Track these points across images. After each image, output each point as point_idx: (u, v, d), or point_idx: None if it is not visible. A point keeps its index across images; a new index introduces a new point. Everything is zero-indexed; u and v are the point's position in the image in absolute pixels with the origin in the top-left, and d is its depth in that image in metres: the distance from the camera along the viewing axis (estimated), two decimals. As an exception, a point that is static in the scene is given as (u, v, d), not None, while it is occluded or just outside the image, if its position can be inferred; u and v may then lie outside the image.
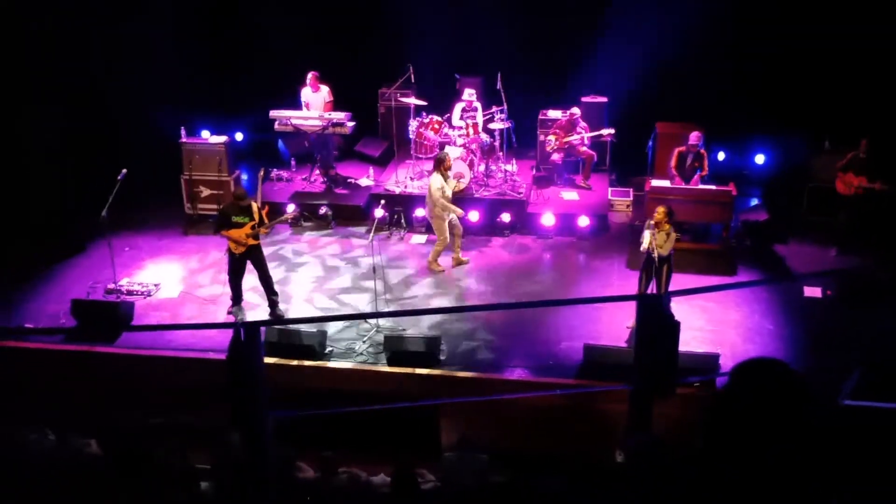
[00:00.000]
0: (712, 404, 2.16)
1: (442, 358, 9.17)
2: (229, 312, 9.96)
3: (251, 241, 9.54)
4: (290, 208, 10.05)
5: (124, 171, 10.13)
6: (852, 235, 10.99)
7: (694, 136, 11.36)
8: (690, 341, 8.92)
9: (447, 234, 10.87)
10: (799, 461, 2.02)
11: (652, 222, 9.20)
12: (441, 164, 10.77)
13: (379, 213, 10.78)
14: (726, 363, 8.77)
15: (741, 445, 2.06)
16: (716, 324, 9.68)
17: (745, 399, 2.09)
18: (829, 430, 2.13)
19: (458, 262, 11.11)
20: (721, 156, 13.02)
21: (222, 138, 12.48)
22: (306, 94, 12.75)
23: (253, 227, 9.51)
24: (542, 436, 8.69)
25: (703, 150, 11.45)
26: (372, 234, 9.94)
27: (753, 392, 2.09)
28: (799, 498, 2.06)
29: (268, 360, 8.83)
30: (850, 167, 10.87)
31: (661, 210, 9.14)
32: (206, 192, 12.30)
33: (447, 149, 12.13)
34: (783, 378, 2.09)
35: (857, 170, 10.82)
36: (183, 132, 12.39)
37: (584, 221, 11.76)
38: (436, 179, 10.72)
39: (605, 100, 13.20)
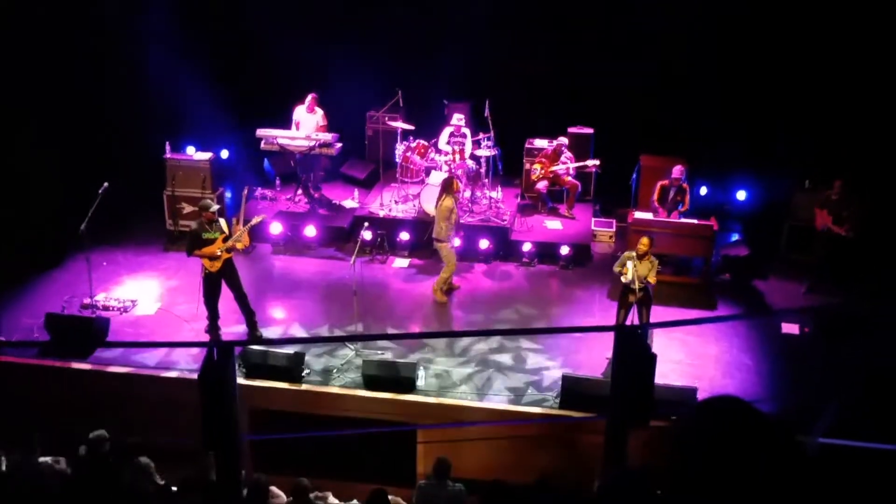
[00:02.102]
0: (674, 440, 2.16)
1: (420, 384, 9.12)
2: (206, 332, 9.85)
3: (226, 255, 9.45)
4: (259, 218, 9.90)
5: (106, 184, 10.06)
6: (823, 273, 11.10)
7: (677, 170, 11.46)
8: (669, 374, 8.94)
9: (454, 261, 10.79)
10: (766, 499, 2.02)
11: (634, 253, 9.26)
12: (450, 188, 10.67)
13: (367, 235, 10.70)
14: (704, 397, 8.80)
15: (700, 481, 2.06)
16: (695, 357, 9.70)
17: (703, 437, 2.10)
18: (800, 469, 2.13)
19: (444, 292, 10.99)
20: (703, 190, 13.13)
21: (207, 155, 12.44)
22: (300, 112, 12.76)
23: (225, 240, 9.44)
24: (519, 465, 8.64)
25: (685, 185, 11.55)
26: (354, 257, 9.91)
27: (712, 431, 2.09)
28: None
29: (242, 381, 8.76)
30: (825, 206, 11.03)
31: (645, 241, 9.25)
32: (188, 208, 12.21)
33: (433, 174, 12.17)
34: (744, 418, 2.10)
35: (829, 210, 10.97)
36: (167, 147, 12.34)
37: (563, 250, 11.79)
38: (448, 201, 10.64)
39: (591, 131, 13.31)
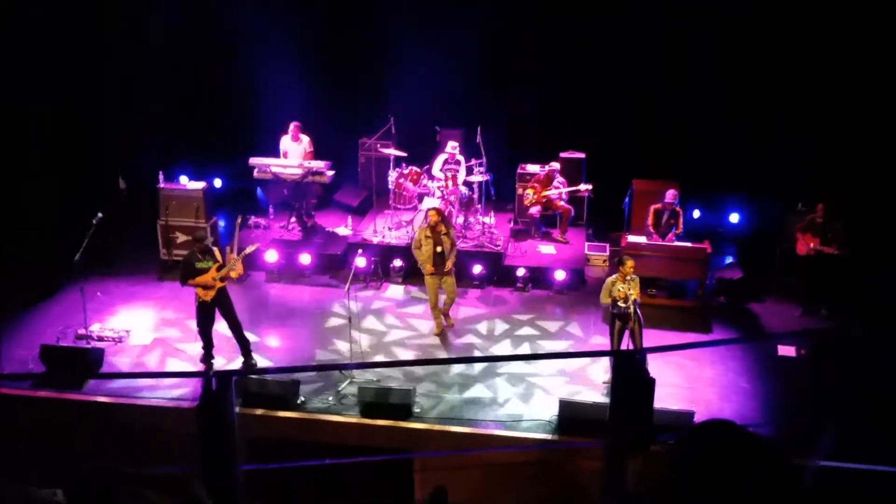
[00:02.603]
0: (668, 463, 2.17)
1: (416, 410, 9.08)
2: (201, 361, 9.81)
3: (220, 284, 9.45)
4: (252, 247, 9.90)
5: (100, 214, 10.06)
6: (816, 296, 11.16)
7: (670, 195, 11.53)
8: (666, 398, 8.89)
9: (433, 296, 10.62)
10: None
11: (626, 276, 9.27)
12: (425, 218, 10.62)
13: (361, 262, 10.68)
14: (701, 421, 8.75)
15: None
16: (691, 381, 9.69)
17: (695, 460, 2.11)
18: (802, 492, 2.13)
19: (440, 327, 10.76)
20: (696, 214, 13.22)
21: (200, 184, 12.47)
22: (285, 142, 12.82)
23: (219, 269, 9.43)
24: (516, 491, 8.59)
25: (678, 208, 11.62)
26: (349, 284, 9.90)
27: (704, 454, 2.11)
28: None
29: (238, 409, 8.70)
30: (808, 229, 11.10)
31: (631, 263, 9.29)
32: (182, 237, 12.21)
33: (426, 200, 12.22)
34: (736, 441, 2.11)
35: (813, 232, 11.05)
36: (161, 177, 12.37)
37: (560, 275, 11.80)
38: (419, 233, 10.67)
39: (583, 156, 13.40)
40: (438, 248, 10.45)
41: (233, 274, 9.54)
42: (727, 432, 2.17)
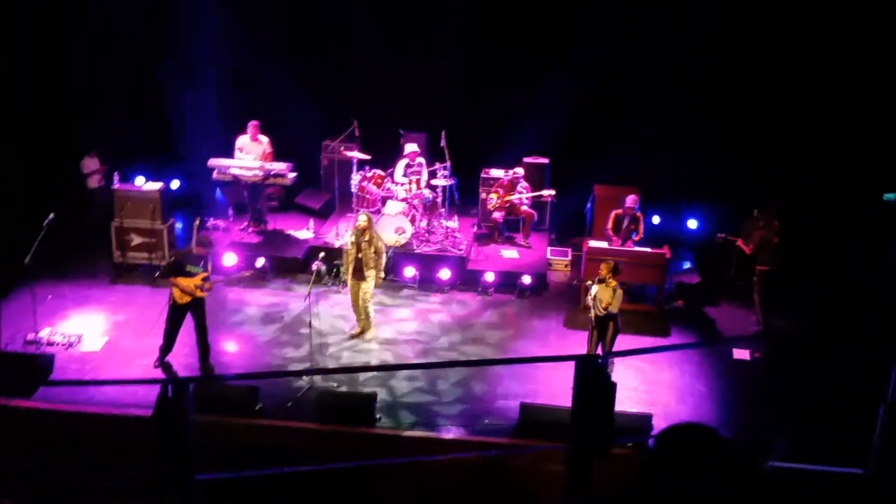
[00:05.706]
0: (641, 468, 2.16)
1: (377, 416, 9.00)
2: (156, 366, 9.61)
3: (199, 293, 9.33)
4: (260, 262, 9.70)
5: (51, 215, 9.81)
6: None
7: (630, 200, 11.64)
8: (624, 401, 8.94)
9: (353, 297, 10.44)
10: None
11: (600, 279, 9.29)
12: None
13: (322, 266, 10.58)
14: (659, 423, 8.85)
15: None
16: (649, 384, 9.77)
17: (669, 463, 2.11)
18: (756, 492, 2.15)
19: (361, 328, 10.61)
20: (656, 219, 13.37)
21: (157, 185, 12.23)
22: (243, 140, 12.64)
23: (204, 280, 9.31)
24: (478, 496, 8.56)
25: (639, 214, 11.73)
26: (310, 288, 9.79)
27: (677, 456, 2.11)
28: None
29: (196, 416, 8.53)
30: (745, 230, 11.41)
31: (604, 266, 9.29)
32: (137, 240, 11.97)
33: (389, 204, 12.16)
34: (708, 443, 2.12)
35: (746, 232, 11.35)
36: (116, 178, 12.10)
37: (525, 280, 11.81)
38: (348, 236, 10.53)
39: (546, 161, 13.46)
40: (359, 255, 10.25)
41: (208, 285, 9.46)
42: (699, 436, 2.17)
